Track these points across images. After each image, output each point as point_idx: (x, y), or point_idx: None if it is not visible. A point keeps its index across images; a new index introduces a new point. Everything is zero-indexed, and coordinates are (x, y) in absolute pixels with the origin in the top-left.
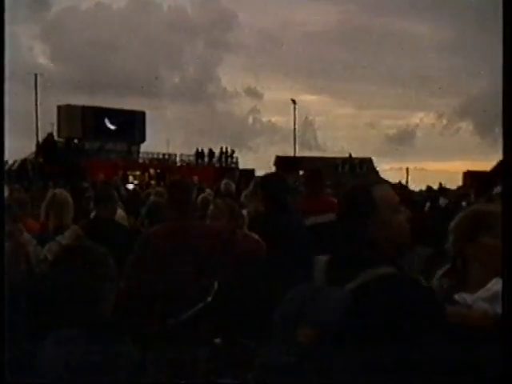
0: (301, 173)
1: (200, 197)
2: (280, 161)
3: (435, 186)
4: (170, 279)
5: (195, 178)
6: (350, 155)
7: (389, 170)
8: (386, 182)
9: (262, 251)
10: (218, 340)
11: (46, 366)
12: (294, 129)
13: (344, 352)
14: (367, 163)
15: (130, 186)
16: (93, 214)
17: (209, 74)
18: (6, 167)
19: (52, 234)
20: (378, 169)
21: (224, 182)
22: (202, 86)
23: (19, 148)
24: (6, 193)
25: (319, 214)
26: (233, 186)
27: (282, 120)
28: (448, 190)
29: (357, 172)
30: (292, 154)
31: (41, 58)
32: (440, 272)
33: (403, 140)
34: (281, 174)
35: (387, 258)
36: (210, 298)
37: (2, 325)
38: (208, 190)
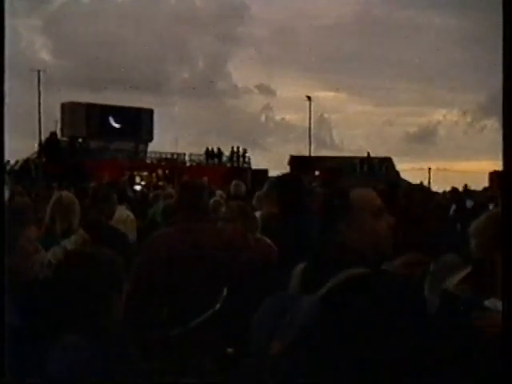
0: (316, 173)
1: (212, 200)
2: (294, 160)
3: (460, 187)
4: (178, 284)
5: (205, 179)
6: (369, 154)
7: (409, 170)
8: (408, 182)
9: (274, 256)
10: (230, 350)
11: (52, 372)
12: (309, 127)
13: (317, 362)
14: (386, 163)
15: (138, 188)
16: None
17: (219, 70)
18: (8, 167)
19: (59, 238)
20: (397, 169)
21: (234, 183)
22: (212, 82)
23: (21, 147)
24: (7, 195)
25: None
26: (243, 188)
27: (297, 118)
28: (474, 191)
29: (375, 172)
30: (307, 154)
31: (43, 53)
32: (457, 276)
33: (425, 138)
34: (297, 174)
35: (362, 262)
36: (218, 305)
37: (2, 325)
38: (219, 192)
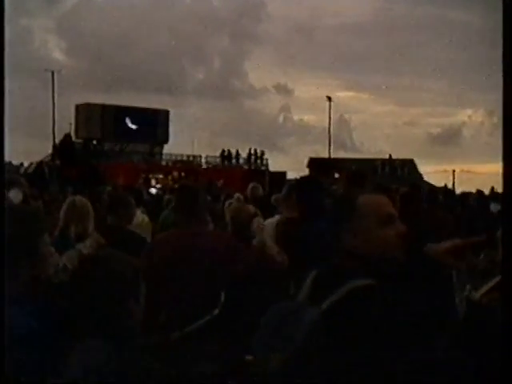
0: (336, 175)
1: (227, 203)
2: (313, 163)
3: (486, 190)
4: (174, 290)
5: (220, 182)
6: (390, 156)
7: (433, 172)
8: (431, 185)
9: (279, 262)
10: (249, 357)
11: (68, 376)
12: (329, 128)
13: (316, 377)
14: (409, 165)
15: (153, 191)
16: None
17: (235, 70)
18: (22, 170)
19: (74, 242)
20: (420, 171)
21: (251, 185)
22: (229, 82)
23: (35, 150)
24: (21, 197)
25: None
26: (260, 190)
27: (316, 118)
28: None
29: (397, 175)
30: (326, 156)
31: (57, 53)
32: (486, 286)
33: (449, 139)
34: (317, 177)
35: (369, 270)
36: (216, 311)
37: (2, 325)
38: (237, 194)
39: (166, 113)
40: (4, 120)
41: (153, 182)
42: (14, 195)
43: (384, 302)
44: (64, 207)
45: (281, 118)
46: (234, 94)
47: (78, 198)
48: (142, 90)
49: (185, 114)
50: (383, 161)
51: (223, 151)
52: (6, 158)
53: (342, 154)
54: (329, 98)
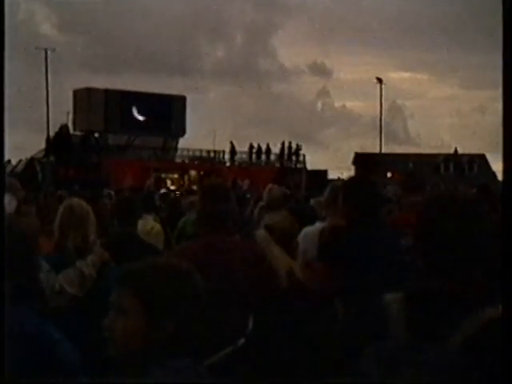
0: (388, 175)
1: (258, 207)
2: (360, 159)
3: None
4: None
5: (246, 182)
6: (456, 151)
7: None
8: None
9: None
10: None
11: None
12: (380, 117)
13: None
14: (479, 162)
15: (163, 191)
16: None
17: (262, 46)
18: (9, 168)
19: (73, 256)
20: (494, 169)
21: (268, 187)
22: (254, 62)
23: (25, 144)
24: (15, 204)
25: None
26: (278, 193)
27: (362, 105)
28: None
29: (465, 174)
30: (376, 150)
31: (49, 27)
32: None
33: None
34: (368, 176)
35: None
36: (242, 340)
37: (2, 323)
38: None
39: (182, 99)
40: (4, 118)
41: (166, 182)
42: (7, 202)
43: None
44: (59, 213)
45: (319, 105)
46: (261, 76)
47: (76, 201)
48: (153, 72)
49: (204, 100)
50: (447, 156)
51: (251, 146)
52: None
53: (395, 149)
54: (379, 80)
